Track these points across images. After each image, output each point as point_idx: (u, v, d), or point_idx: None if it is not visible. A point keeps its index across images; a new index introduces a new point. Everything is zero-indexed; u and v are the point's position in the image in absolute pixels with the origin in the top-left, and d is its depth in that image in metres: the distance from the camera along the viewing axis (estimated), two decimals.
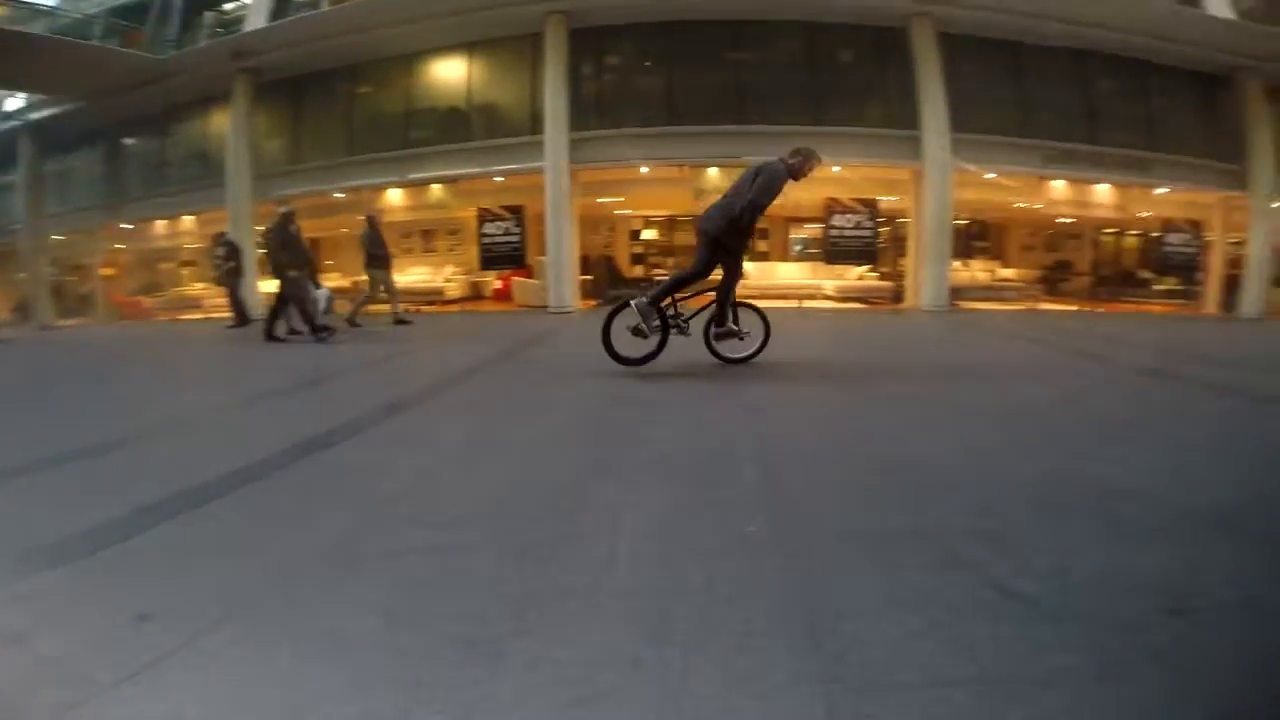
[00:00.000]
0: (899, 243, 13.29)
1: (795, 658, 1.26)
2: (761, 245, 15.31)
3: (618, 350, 4.51)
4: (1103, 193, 12.56)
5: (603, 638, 1.34)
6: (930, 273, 11.26)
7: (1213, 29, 11.25)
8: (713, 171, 11.66)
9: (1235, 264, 12.63)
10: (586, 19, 11.18)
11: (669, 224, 16.04)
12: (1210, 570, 1.64)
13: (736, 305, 4.69)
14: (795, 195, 11.92)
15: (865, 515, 2.04)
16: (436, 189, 13.18)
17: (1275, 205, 11.73)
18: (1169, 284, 13.98)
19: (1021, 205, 13.62)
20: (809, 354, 5.93)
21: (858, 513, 2.07)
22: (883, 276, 13.60)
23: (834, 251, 12.11)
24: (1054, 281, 15.44)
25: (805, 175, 4.46)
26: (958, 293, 11.96)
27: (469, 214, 13.19)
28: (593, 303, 12.09)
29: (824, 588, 1.55)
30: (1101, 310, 12.70)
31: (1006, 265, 15.50)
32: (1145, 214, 13.44)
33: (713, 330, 4.69)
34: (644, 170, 11.85)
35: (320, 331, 7.03)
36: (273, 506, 2.22)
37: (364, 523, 2.02)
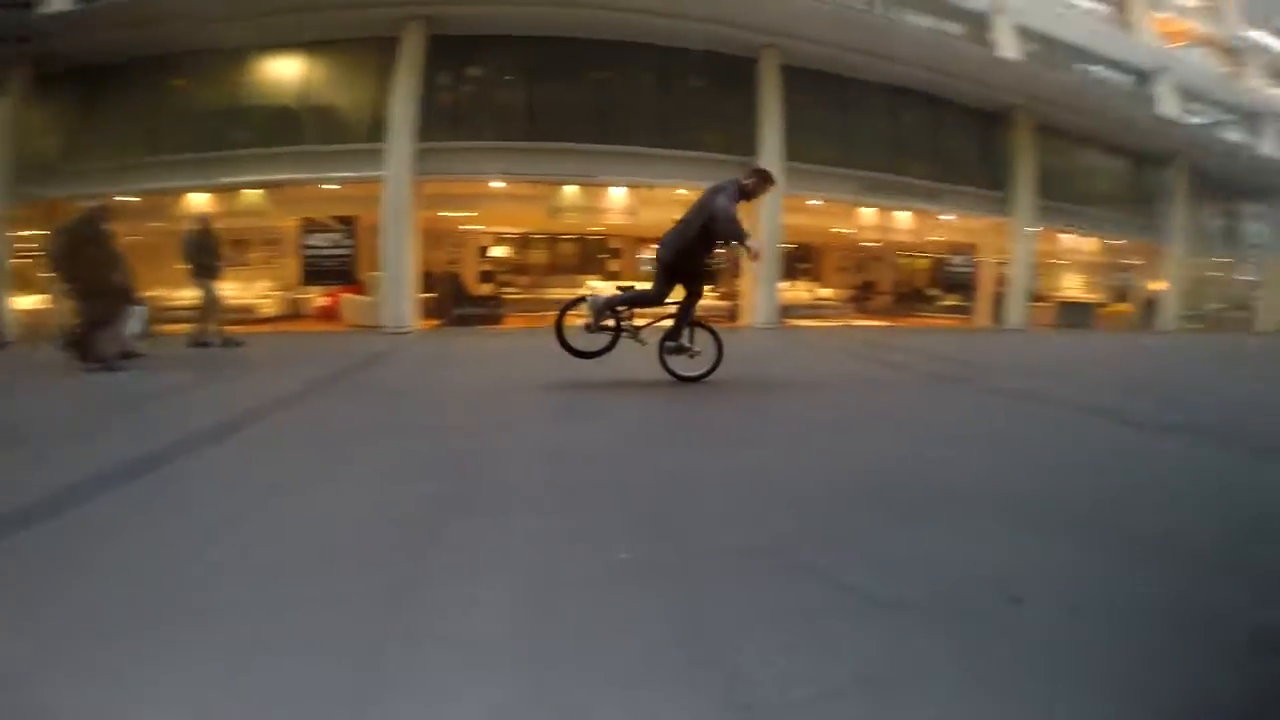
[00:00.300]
0: (735, 264, 14.10)
1: None
2: (613, 265, 15.54)
3: (570, 343, 4.67)
4: (903, 219, 14.40)
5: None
6: (762, 292, 12.10)
7: (992, 67, 13.43)
8: (569, 189, 11.64)
9: (1001, 282, 15.19)
10: (449, 26, 10.64)
11: (523, 241, 15.72)
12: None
13: (694, 325, 4.72)
14: (647, 216, 12.57)
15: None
16: (251, 195, 11.68)
17: (1030, 230, 14.26)
18: (952, 300, 16.46)
19: (837, 230, 15.19)
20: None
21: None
22: (721, 296, 14.45)
23: None
24: (862, 300, 17.41)
25: (758, 196, 4.58)
26: (785, 311, 13.01)
27: (290, 224, 11.86)
28: (435, 322, 11.39)
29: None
30: (902, 325, 14.58)
31: (824, 285, 17.18)
32: (934, 238, 15.65)
33: (665, 344, 4.71)
34: (497, 185, 11.51)
35: (107, 361, 5.64)
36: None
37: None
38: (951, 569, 1.71)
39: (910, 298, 17.78)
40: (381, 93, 10.59)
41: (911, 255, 19.06)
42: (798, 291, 15.36)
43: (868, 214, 13.98)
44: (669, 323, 4.68)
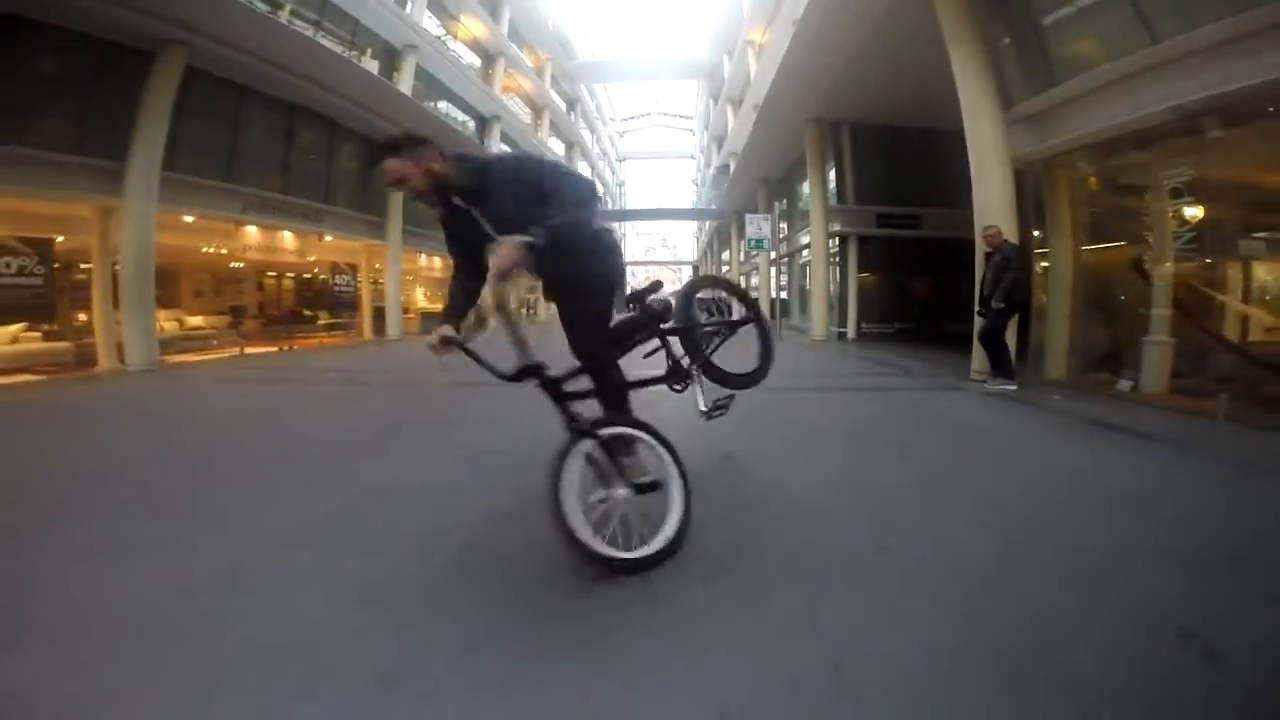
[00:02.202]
0: (77, 293, 10.14)
1: None
2: None
3: None
4: (287, 239, 13.53)
5: None
6: (134, 326, 9.27)
7: (387, 97, 13.89)
8: None
9: (379, 297, 16.42)
10: None
11: None
12: None
13: None
14: None
15: None
16: None
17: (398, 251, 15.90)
18: (334, 318, 16.66)
19: (207, 250, 12.98)
20: None
21: None
22: (49, 335, 9.97)
23: None
24: (237, 325, 15.35)
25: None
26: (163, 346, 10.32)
27: None
28: None
29: None
30: (294, 346, 13.92)
31: (187, 313, 14.28)
32: (316, 258, 15.37)
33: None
34: None
35: None
36: None
37: None
38: None
39: (287, 319, 16.73)
40: None
41: (288, 276, 17.94)
42: (160, 321, 12.18)
43: (252, 233, 12.50)
44: None
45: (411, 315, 17.67)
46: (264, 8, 11.28)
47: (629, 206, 43.25)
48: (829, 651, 1.56)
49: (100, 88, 9.03)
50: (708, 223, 42.15)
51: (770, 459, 3.50)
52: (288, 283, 18.35)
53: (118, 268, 9.33)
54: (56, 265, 9.46)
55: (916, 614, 1.73)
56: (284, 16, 11.91)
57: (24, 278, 8.78)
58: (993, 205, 6.92)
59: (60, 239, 9.56)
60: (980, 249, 6.77)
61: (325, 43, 12.85)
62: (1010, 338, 6.48)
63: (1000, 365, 6.26)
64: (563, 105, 32.59)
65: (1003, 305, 6.18)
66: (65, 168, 8.55)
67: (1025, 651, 1.54)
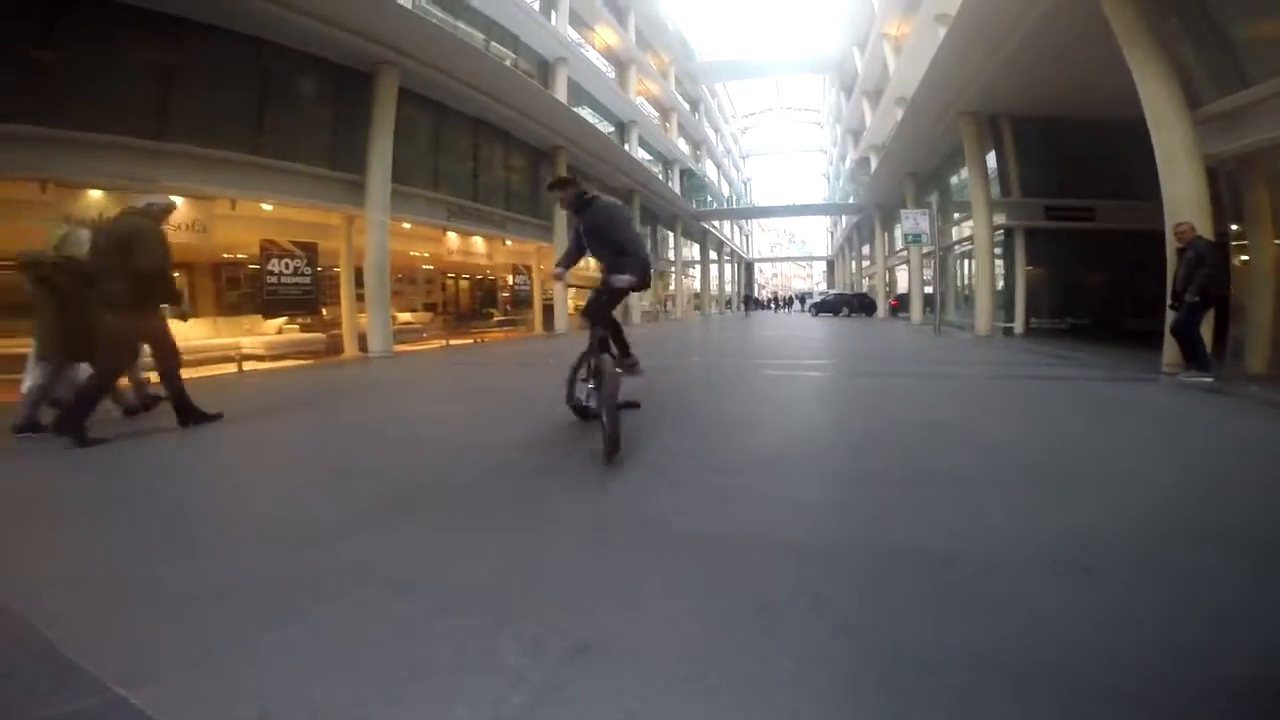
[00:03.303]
0: (331, 290, 12.53)
1: None
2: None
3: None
4: (478, 244, 15.71)
5: None
6: (376, 320, 11.42)
7: (552, 110, 15.59)
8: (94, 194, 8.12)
9: (547, 296, 18.45)
10: None
11: None
12: None
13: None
14: (225, 234, 9.93)
15: None
16: None
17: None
18: (504, 315, 18.99)
19: (416, 254, 15.38)
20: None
21: None
22: (305, 328, 12.67)
23: (271, 301, 10.60)
24: (442, 319, 18.00)
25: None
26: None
27: None
28: None
29: None
30: (484, 339, 16.07)
31: (400, 309, 16.93)
32: (500, 260, 17.58)
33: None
34: None
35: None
36: None
37: None
38: None
39: (469, 315, 19.27)
40: None
41: (464, 277, 20.51)
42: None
43: (452, 238, 14.71)
44: None
45: (573, 313, 19.52)
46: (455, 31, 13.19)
47: (756, 204, 43.06)
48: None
49: (341, 108, 11.04)
50: (844, 218, 41.30)
51: (978, 428, 4.15)
52: (464, 283, 20.92)
53: (362, 269, 11.27)
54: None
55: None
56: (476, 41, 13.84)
57: (298, 277, 10.84)
58: (1183, 201, 6.93)
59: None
60: (1171, 245, 6.81)
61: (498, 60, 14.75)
62: (1206, 332, 6.49)
63: (1195, 358, 6.30)
64: (687, 106, 33.55)
65: (1197, 299, 6.25)
66: (324, 181, 10.62)
67: None
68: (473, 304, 19.98)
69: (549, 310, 18.18)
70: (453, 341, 14.93)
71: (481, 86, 13.24)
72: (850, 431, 4.08)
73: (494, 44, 15.62)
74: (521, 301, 17.57)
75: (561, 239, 17.28)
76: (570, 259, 4.12)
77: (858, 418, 4.58)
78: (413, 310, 17.83)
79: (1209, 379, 6.15)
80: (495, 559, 2.06)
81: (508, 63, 15.33)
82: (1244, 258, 7.34)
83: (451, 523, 2.45)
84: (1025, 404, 5.15)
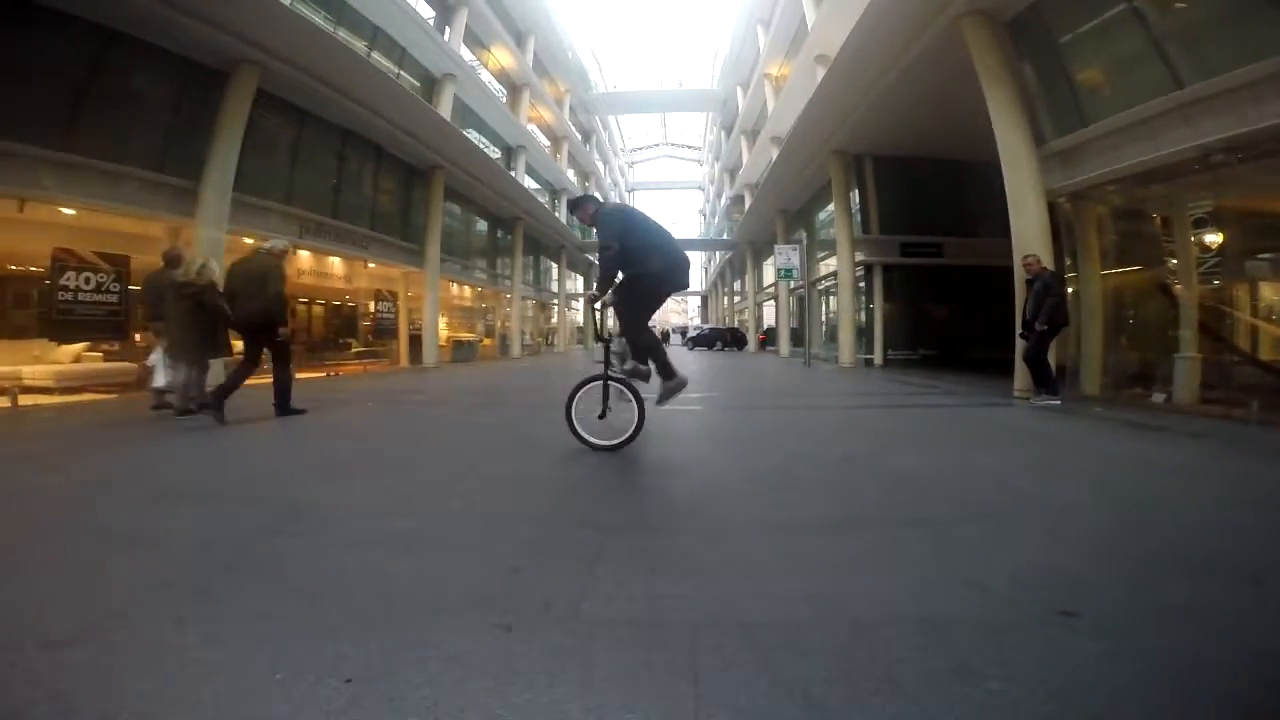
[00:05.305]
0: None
1: None
2: None
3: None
4: (334, 264, 14.14)
5: None
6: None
7: (434, 124, 14.62)
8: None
9: (416, 325, 16.97)
10: None
11: None
12: None
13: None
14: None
15: None
16: None
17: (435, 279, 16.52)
18: (363, 346, 17.11)
19: None
20: None
21: None
22: (110, 355, 10.39)
23: (63, 323, 8.60)
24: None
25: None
26: None
27: None
28: None
29: None
30: (339, 372, 14.26)
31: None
32: (359, 284, 16.00)
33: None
34: None
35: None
36: None
37: None
38: None
39: (320, 346, 16.98)
40: None
41: (318, 303, 18.32)
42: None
43: (303, 257, 13.11)
44: None
45: (444, 344, 18.12)
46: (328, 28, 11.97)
47: None
48: None
49: (185, 107, 9.65)
50: (718, 254, 43.10)
51: (889, 460, 3.98)
52: (317, 309, 18.70)
53: None
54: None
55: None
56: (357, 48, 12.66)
57: (103, 295, 8.80)
58: (1030, 235, 7.60)
59: None
60: (1020, 276, 7.42)
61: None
62: (1051, 357, 7.08)
63: (1044, 382, 6.83)
64: (579, 136, 33.60)
65: (1046, 327, 6.79)
66: (149, 185, 9.13)
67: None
68: (327, 333, 17.83)
69: (416, 341, 16.76)
70: (300, 375, 13.11)
71: (355, 94, 12.11)
72: (765, 468, 3.71)
73: (375, 54, 14.34)
74: (385, 331, 15.98)
75: (434, 264, 16.18)
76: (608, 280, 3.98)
77: (767, 452, 4.28)
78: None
79: (1057, 401, 6.67)
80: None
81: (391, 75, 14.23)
82: (1073, 290, 8.20)
83: None
84: (917, 432, 5.18)
